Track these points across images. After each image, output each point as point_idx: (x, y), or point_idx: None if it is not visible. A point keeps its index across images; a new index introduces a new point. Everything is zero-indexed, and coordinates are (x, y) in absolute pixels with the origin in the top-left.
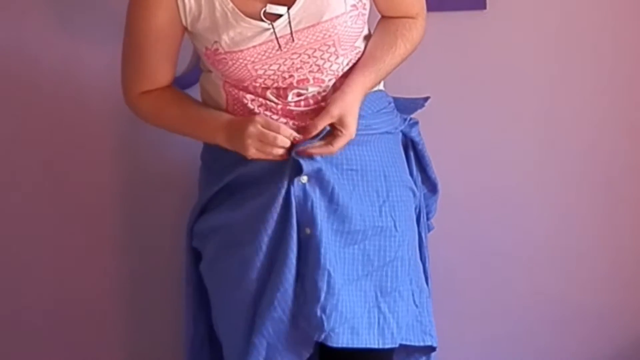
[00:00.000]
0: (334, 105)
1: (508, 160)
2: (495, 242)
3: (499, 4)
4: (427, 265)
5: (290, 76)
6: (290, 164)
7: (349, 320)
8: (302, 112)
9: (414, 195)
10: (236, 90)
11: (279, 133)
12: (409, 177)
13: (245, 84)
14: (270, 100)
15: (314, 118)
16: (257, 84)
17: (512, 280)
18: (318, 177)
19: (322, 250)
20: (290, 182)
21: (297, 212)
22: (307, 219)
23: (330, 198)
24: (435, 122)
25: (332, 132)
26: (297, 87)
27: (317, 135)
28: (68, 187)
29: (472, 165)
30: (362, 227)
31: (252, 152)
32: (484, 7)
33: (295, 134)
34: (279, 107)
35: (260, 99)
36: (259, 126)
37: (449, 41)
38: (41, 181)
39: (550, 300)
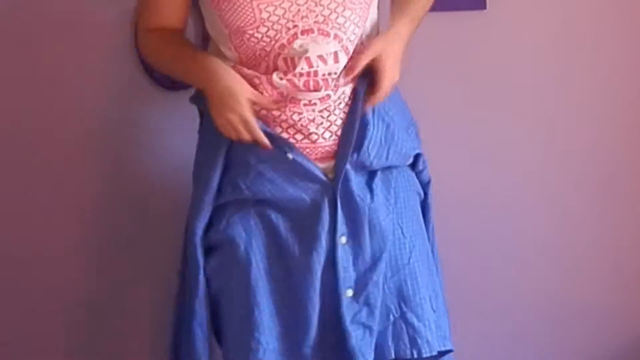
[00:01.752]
0: (374, 45)
1: (508, 160)
2: (495, 242)
3: (499, 4)
4: (435, 254)
5: (295, 26)
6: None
7: (374, 339)
8: (310, 102)
9: (420, 196)
10: (246, 71)
11: (254, 138)
12: (416, 181)
13: (247, 35)
14: (279, 85)
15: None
16: (260, 35)
17: (512, 280)
18: (357, 228)
19: (372, 301)
20: (332, 241)
21: (338, 276)
22: (350, 280)
23: (372, 246)
24: (435, 122)
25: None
26: (300, 39)
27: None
28: (64, 186)
29: (472, 165)
30: (378, 253)
31: (225, 132)
32: (484, 7)
33: (267, 144)
34: (288, 93)
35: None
36: (239, 119)
37: (449, 41)
38: (38, 180)
39: (550, 300)
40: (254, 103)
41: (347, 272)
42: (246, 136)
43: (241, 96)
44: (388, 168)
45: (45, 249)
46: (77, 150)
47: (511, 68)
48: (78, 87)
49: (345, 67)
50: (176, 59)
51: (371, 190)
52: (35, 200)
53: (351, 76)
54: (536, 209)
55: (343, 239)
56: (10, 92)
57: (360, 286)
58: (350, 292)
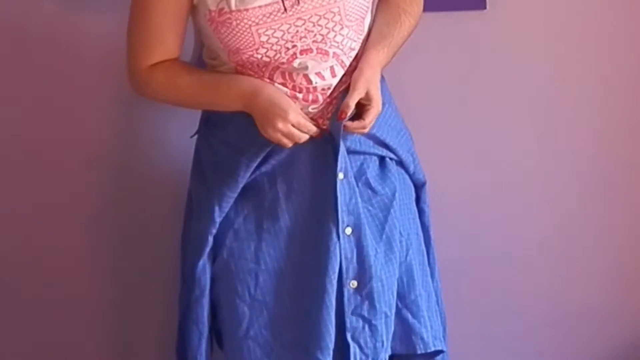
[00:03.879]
0: (358, 82)
1: (508, 160)
2: (495, 242)
3: (499, 4)
4: (432, 258)
5: (294, 46)
6: (332, 211)
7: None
8: (309, 113)
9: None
10: (249, 73)
11: (309, 134)
12: (410, 182)
13: (246, 55)
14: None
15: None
16: (260, 55)
17: (511, 280)
18: (358, 224)
19: (376, 296)
20: (334, 227)
21: (341, 266)
22: (354, 272)
23: (376, 239)
24: (435, 122)
25: (360, 110)
26: (299, 58)
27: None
28: (67, 188)
29: (472, 165)
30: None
31: (274, 141)
32: (484, 7)
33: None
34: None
35: None
36: (290, 126)
37: (449, 41)
38: (40, 182)
39: (550, 300)
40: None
41: (350, 263)
42: (302, 138)
43: (286, 102)
44: (382, 163)
45: (47, 251)
46: (79, 151)
47: (511, 68)
48: (78, 89)
49: (336, 112)
50: (200, 88)
51: (365, 175)
52: (37, 202)
53: (344, 120)
54: (536, 209)
55: (348, 230)
56: (12, 95)
57: (364, 279)
58: (354, 284)
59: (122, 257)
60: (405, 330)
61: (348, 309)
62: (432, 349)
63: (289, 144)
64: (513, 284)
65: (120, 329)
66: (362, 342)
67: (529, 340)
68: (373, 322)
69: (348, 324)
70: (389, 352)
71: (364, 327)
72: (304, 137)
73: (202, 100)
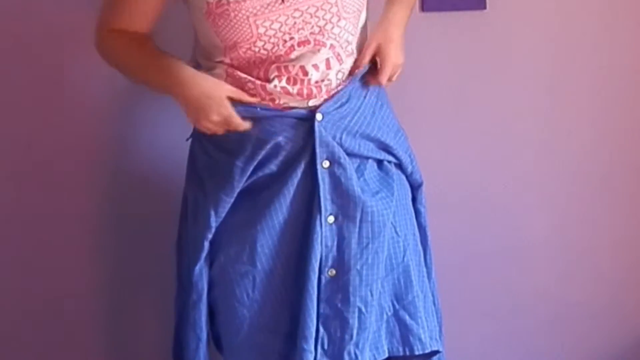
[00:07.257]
0: (372, 38)
1: (508, 160)
2: (495, 242)
3: (499, 4)
4: (429, 258)
5: (291, 38)
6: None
7: (370, 340)
8: (308, 107)
9: (412, 186)
10: (240, 74)
11: (237, 129)
12: (407, 183)
13: (244, 49)
14: (272, 91)
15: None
16: (257, 48)
17: (510, 280)
18: (346, 212)
19: (351, 289)
20: (317, 215)
21: (321, 254)
22: (333, 260)
23: (360, 233)
24: (435, 122)
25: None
26: (297, 50)
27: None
28: (59, 188)
29: (472, 165)
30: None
31: (206, 131)
32: (484, 7)
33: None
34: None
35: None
36: (222, 119)
37: (449, 41)
38: (39, 181)
39: (550, 300)
40: (231, 99)
41: (330, 252)
42: (231, 129)
43: (220, 97)
44: (380, 163)
45: (45, 252)
46: (76, 152)
47: (511, 68)
48: (76, 91)
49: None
50: (144, 67)
51: (362, 176)
52: (35, 203)
53: (357, 72)
54: (536, 209)
55: (331, 219)
56: (11, 96)
57: (342, 270)
58: (333, 272)
59: (119, 259)
60: (403, 331)
61: (323, 296)
62: (429, 349)
63: (224, 130)
64: (510, 284)
65: (118, 332)
66: (331, 330)
67: (528, 340)
68: (344, 314)
69: (321, 310)
70: (386, 354)
71: (334, 317)
72: (232, 130)
73: (142, 78)
